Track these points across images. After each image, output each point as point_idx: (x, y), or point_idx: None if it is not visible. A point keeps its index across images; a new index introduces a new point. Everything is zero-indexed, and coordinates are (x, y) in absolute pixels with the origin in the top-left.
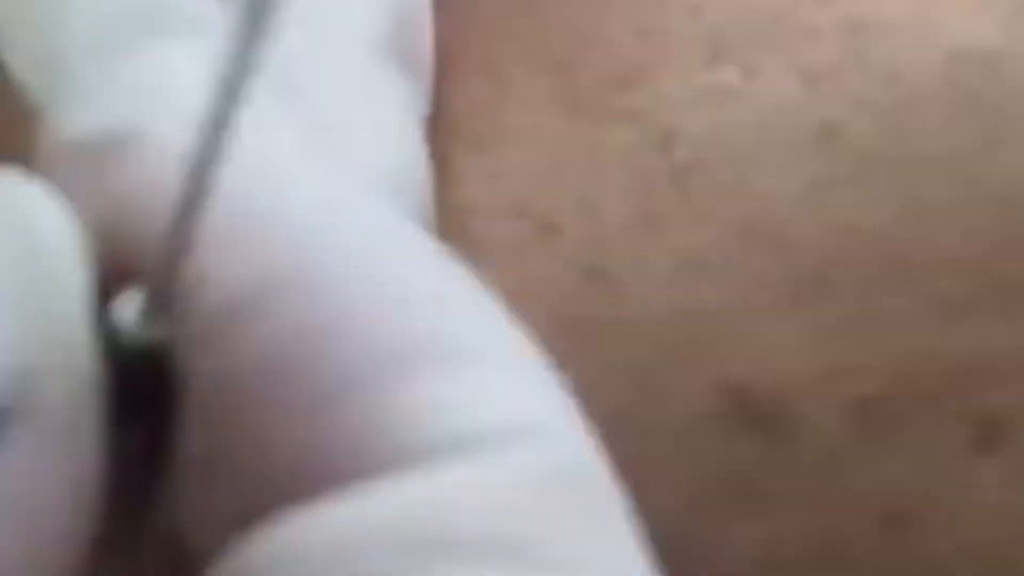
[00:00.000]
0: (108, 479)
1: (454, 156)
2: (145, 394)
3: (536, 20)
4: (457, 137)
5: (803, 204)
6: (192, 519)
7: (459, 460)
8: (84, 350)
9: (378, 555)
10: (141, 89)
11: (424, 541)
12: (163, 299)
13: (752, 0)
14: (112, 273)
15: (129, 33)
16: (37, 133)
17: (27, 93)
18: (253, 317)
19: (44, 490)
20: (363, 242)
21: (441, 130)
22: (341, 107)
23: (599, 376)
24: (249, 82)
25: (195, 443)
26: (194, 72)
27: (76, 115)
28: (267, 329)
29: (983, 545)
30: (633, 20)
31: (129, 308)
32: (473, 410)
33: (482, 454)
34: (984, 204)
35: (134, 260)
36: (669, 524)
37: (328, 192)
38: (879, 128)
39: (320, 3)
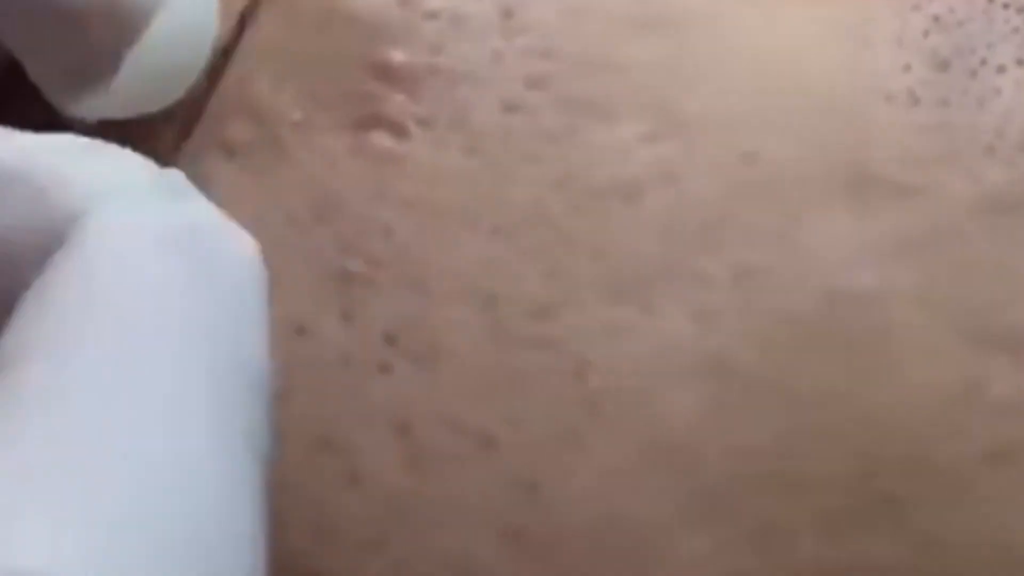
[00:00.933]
0: None
1: (394, 364)
2: None
3: (457, 251)
4: (396, 345)
5: (701, 427)
6: None
7: None
8: None
9: None
10: None
11: None
12: None
13: (649, 246)
14: None
15: None
16: None
17: None
18: None
19: None
20: None
21: (378, 339)
22: None
23: None
24: None
25: None
26: None
27: None
28: None
29: None
30: (544, 260)
31: None
32: None
33: None
34: (863, 427)
35: None
36: None
37: None
38: (766, 360)
39: None
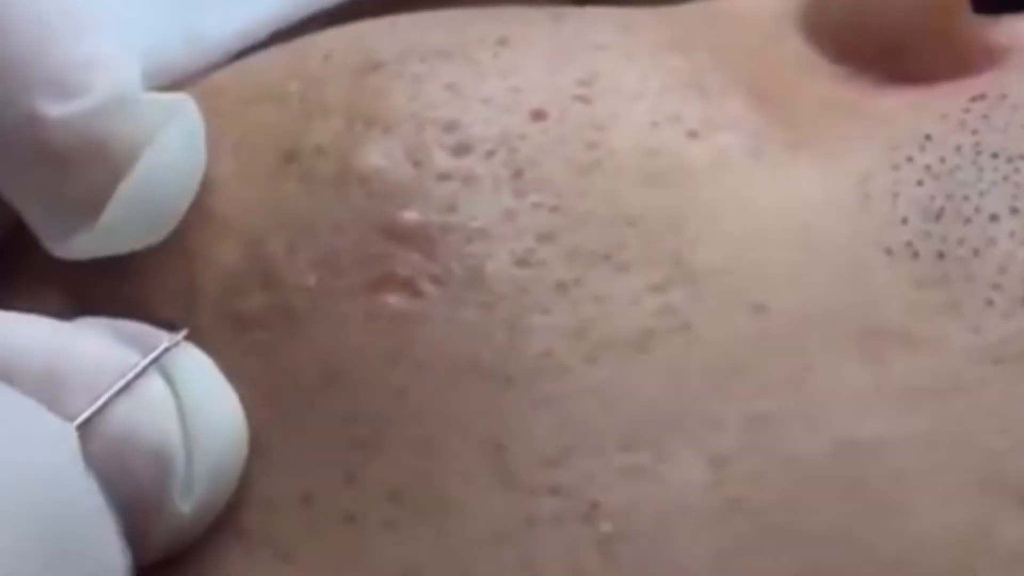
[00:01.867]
0: None
1: (399, 520)
2: None
3: (469, 404)
4: (402, 505)
5: (715, 570)
6: None
7: None
8: None
9: None
10: None
11: None
12: None
13: (661, 393)
14: None
15: None
16: None
17: None
18: None
19: None
20: None
21: (383, 497)
22: None
23: None
24: None
25: None
26: None
27: None
28: None
29: None
30: (556, 410)
31: None
32: None
33: None
34: (875, 570)
35: None
36: None
37: None
38: (779, 504)
39: None
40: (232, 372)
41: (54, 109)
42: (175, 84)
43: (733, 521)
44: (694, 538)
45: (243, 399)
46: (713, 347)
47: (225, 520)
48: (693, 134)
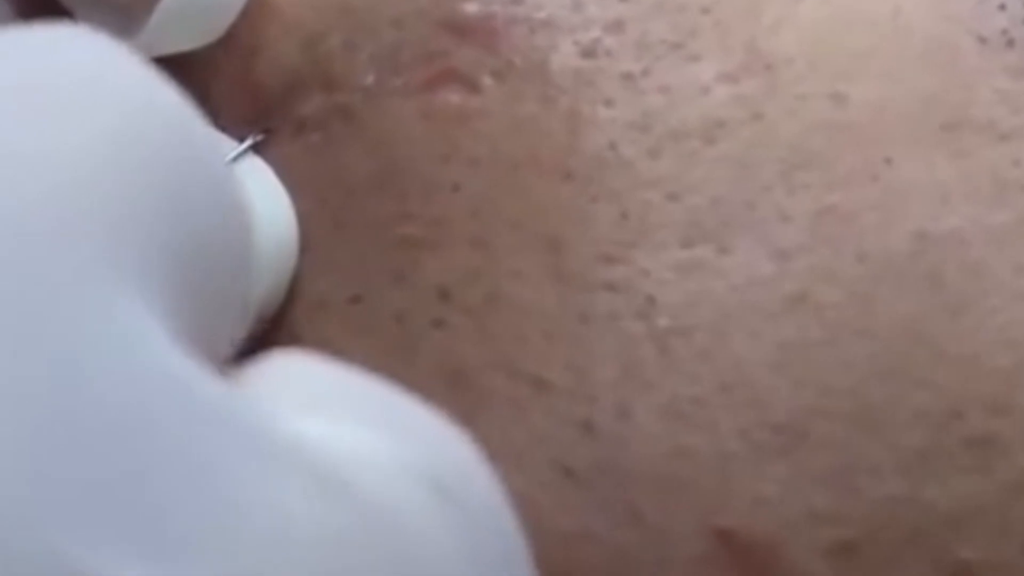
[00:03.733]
0: None
1: (447, 318)
2: None
3: (525, 200)
4: (451, 303)
5: (776, 365)
6: None
7: None
8: None
9: None
10: None
11: None
12: None
13: (727, 187)
14: None
15: None
16: None
17: None
18: None
19: None
20: None
21: (432, 296)
22: None
23: (597, 518)
24: None
25: None
26: None
27: None
28: None
29: None
30: (616, 204)
31: None
32: None
33: None
34: (948, 365)
35: None
36: None
37: None
38: (846, 298)
39: None
40: (288, 173)
41: None
42: None
43: (797, 315)
44: (755, 332)
45: (297, 201)
46: (785, 138)
47: (278, 322)
48: None
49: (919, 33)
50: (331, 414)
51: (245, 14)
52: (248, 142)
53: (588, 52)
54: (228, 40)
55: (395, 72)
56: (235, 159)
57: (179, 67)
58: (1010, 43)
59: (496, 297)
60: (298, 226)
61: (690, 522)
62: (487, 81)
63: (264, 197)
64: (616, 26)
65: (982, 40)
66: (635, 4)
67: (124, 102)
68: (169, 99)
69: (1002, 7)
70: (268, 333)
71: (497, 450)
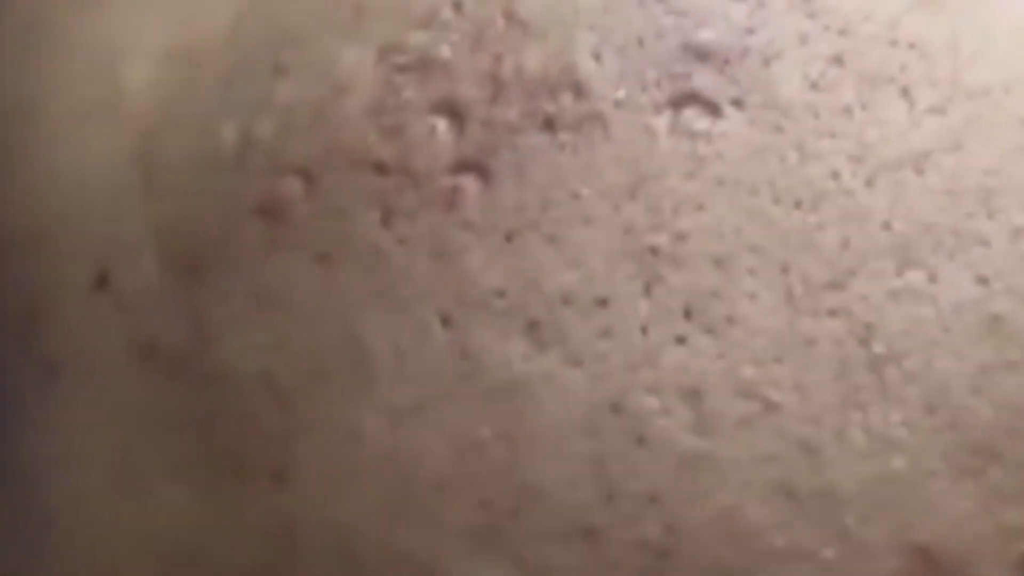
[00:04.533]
0: None
1: (689, 335)
2: None
3: (762, 224)
4: (693, 321)
5: (976, 388)
6: None
7: None
8: None
9: None
10: None
11: None
12: None
13: (935, 214)
14: None
15: None
16: None
17: None
18: None
19: None
20: None
21: (678, 313)
22: None
23: (807, 535)
24: None
25: None
26: None
27: None
28: None
29: None
30: (839, 231)
31: None
32: None
33: None
34: None
35: None
36: None
37: None
38: None
39: None
40: (534, 165)
41: None
42: None
43: (996, 338)
44: (958, 355)
45: (549, 191)
46: (984, 165)
47: (516, 311)
48: None
49: None
50: None
51: (491, 22)
52: None
53: (814, 84)
54: (477, 38)
55: (642, 88)
56: None
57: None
58: None
59: (734, 318)
60: (541, 214)
61: (890, 538)
62: (727, 107)
63: None
64: (837, 60)
65: None
66: (853, 38)
67: None
68: None
69: None
70: None
71: (723, 468)
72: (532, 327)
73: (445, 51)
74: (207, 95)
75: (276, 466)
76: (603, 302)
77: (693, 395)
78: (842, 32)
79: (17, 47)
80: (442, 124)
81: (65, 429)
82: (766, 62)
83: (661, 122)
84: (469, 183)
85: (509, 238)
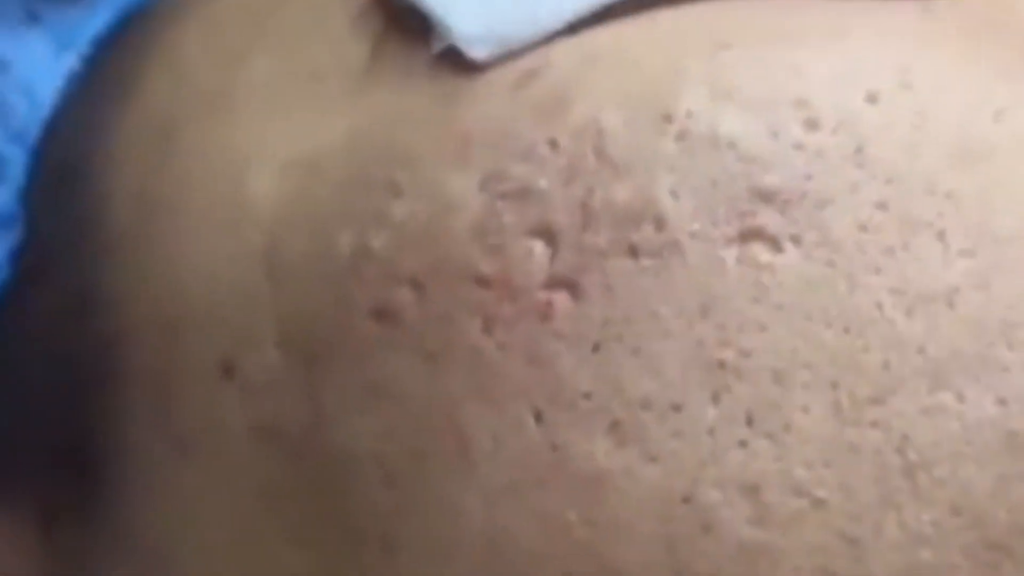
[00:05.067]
0: None
1: (750, 439)
2: None
3: (816, 346)
4: (754, 427)
5: (994, 493)
6: None
7: None
8: None
9: None
10: None
11: None
12: None
13: (964, 342)
14: None
15: None
16: None
17: None
18: None
19: None
20: None
21: (741, 420)
22: None
23: None
24: None
25: None
26: None
27: None
28: None
29: None
30: (881, 353)
31: None
32: None
33: None
34: None
35: None
36: None
37: None
38: None
39: None
40: (623, 288)
41: None
42: (511, 53)
43: (1012, 451)
44: (980, 466)
45: (632, 308)
46: (1007, 301)
47: (601, 412)
48: (999, 116)
49: None
50: None
51: (583, 159)
52: None
53: (863, 227)
54: (570, 172)
55: (714, 223)
56: None
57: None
58: None
59: (789, 426)
60: (625, 328)
61: None
62: (787, 244)
63: None
64: (882, 205)
65: None
66: (897, 186)
67: None
68: None
69: None
70: None
71: (776, 555)
72: (614, 427)
73: (542, 182)
74: (326, 204)
75: (386, 538)
76: (677, 407)
77: (752, 491)
78: (888, 181)
79: (152, 144)
80: (538, 246)
81: (193, 503)
82: (821, 205)
83: (730, 253)
84: (561, 298)
85: (596, 348)
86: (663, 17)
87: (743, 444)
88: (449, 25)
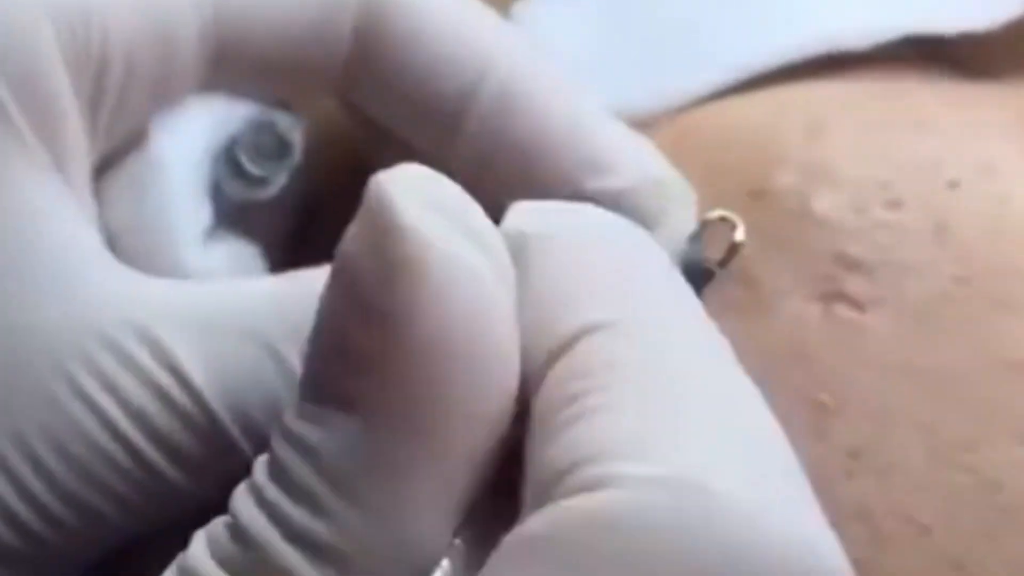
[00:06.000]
0: None
1: (856, 472)
2: None
3: (907, 399)
4: (860, 461)
5: None
6: None
7: None
8: None
9: None
10: None
11: None
12: None
13: None
14: None
15: None
16: None
17: None
18: None
19: None
20: None
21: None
22: None
23: None
24: None
25: None
26: None
27: None
28: None
29: None
30: (971, 407)
31: None
32: None
33: None
34: None
35: None
36: None
37: None
38: None
39: None
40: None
41: (593, 183)
42: (638, 124)
43: None
44: None
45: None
46: None
47: None
48: None
49: None
50: None
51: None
52: None
53: (943, 297)
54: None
55: (802, 284)
56: None
57: None
58: None
59: (890, 462)
60: None
61: None
62: (869, 306)
63: None
64: (961, 280)
65: None
66: (974, 266)
67: None
68: None
69: None
70: None
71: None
72: None
73: None
74: None
75: None
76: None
77: (864, 517)
78: (967, 259)
79: None
80: None
81: None
82: (903, 274)
83: (816, 309)
84: None
85: None
86: (762, 95)
87: (850, 475)
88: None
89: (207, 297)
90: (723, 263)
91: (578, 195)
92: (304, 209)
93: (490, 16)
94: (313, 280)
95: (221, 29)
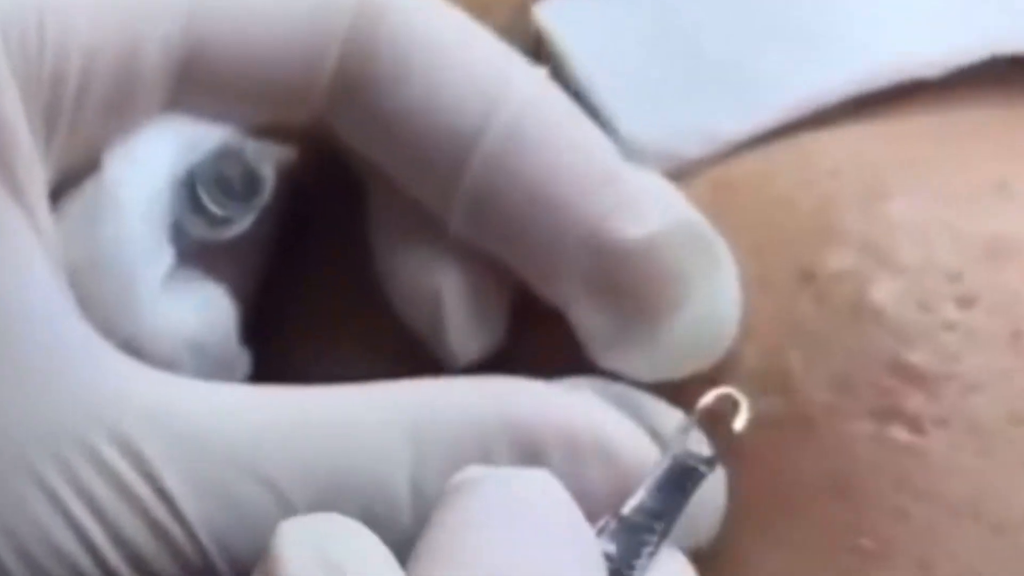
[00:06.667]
0: None
1: None
2: None
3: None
4: None
5: None
6: None
7: None
8: None
9: None
10: None
11: None
12: None
13: None
14: None
15: None
16: None
17: None
18: None
19: None
20: None
21: None
22: None
23: None
24: None
25: None
26: None
27: None
28: None
29: None
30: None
31: None
32: None
33: None
34: None
35: None
36: None
37: None
38: None
39: None
40: (740, 460)
41: (615, 229)
42: (683, 172)
43: None
44: None
45: (742, 480)
46: None
47: None
48: None
49: None
50: None
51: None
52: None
53: (1017, 419)
54: None
55: (849, 397)
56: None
57: None
58: None
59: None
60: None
61: None
62: (930, 427)
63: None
64: None
65: None
66: None
67: None
68: None
69: None
70: None
71: None
72: None
73: None
74: None
75: None
76: None
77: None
78: None
79: None
80: None
81: None
82: (971, 390)
83: (865, 429)
84: None
85: None
86: (814, 145)
87: None
88: (617, 128)
89: (202, 420)
90: (712, 462)
91: (596, 242)
92: (294, 218)
93: (498, 43)
94: (317, 407)
95: (190, 40)
